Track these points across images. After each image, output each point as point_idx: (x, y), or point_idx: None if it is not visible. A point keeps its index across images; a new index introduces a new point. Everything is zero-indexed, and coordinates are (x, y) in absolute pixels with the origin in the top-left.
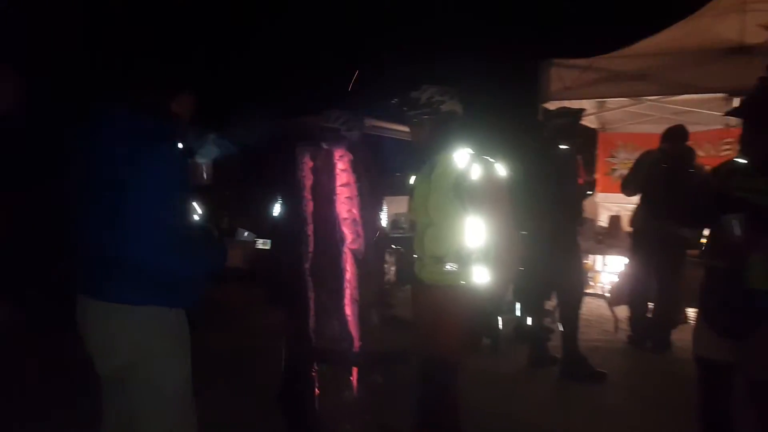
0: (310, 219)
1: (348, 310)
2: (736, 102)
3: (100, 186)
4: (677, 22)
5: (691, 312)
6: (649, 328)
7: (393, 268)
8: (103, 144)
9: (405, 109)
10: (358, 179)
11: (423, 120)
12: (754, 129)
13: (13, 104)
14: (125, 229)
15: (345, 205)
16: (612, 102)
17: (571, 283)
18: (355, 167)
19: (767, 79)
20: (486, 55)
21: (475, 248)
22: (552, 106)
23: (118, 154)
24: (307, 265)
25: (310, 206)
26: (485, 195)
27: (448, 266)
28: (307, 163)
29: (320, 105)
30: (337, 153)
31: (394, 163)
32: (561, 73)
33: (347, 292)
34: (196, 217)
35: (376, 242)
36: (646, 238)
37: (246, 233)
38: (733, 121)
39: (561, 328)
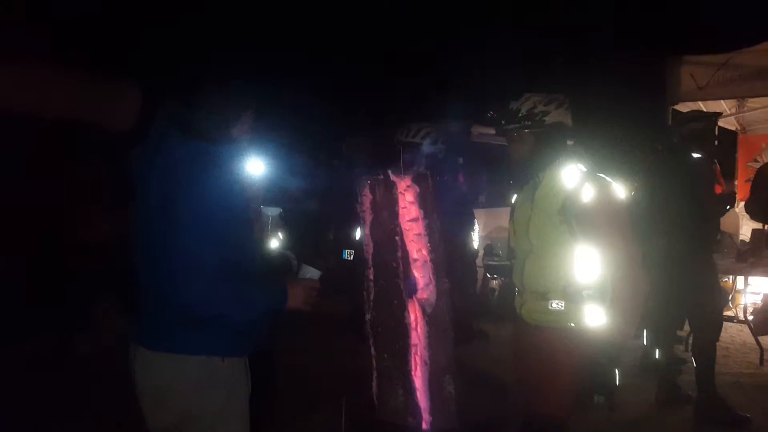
0: (370, 262)
1: (416, 377)
2: None
3: (150, 219)
4: None
5: None
6: None
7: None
8: (155, 172)
9: (503, 122)
10: (428, 215)
11: (523, 134)
12: None
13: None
14: (169, 268)
15: (414, 245)
16: (755, 101)
17: (707, 311)
18: (424, 200)
19: None
20: (606, 53)
21: (587, 284)
22: (683, 108)
23: (168, 184)
24: (367, 317)
25: (370, 247)
26: (599, 220)
27: (554, 304)
28: (367, 197)
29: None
30: (402, 184)
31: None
32: (693, 71)
33: (415, 354)
34: (275, 243)
35: (459, 283)
36: None
37: (310, 271)
38: None
39: (695, 363)
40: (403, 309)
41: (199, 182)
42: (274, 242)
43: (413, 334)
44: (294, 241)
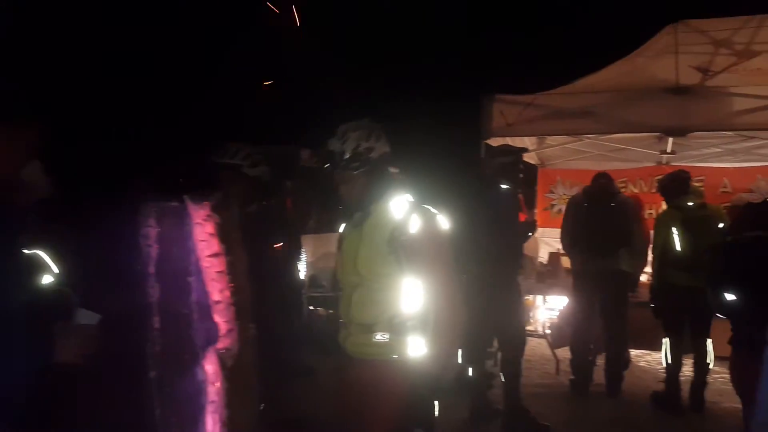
0: (155, 309)
1: None
2: (669, 141)
3: None
4: (615, 62)
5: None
6: (605, 371)
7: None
8: None
9: (328, 166)
10: (231, 250)
11: (353, 175)
12: None
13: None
14: None
15: (216, 285)
16: (552, 139)
17: (514, 329)
18: (227, 232)
19: None
20: (426, 91)
21: (412, 315)
22: (494, 143)
23: None
24: (152, 375)
25: (156, 290)
26: (423, 251)
27: (378, 336)
28: (152, 228)
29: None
30: (201, 213)
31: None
32: (503, 109)
33: (214, 413)
34: (48, 278)
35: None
36: (585, 278)
37: (86, 315)
38: (665, 158)
39: (503, 378)
40: (197, 363)
41: None
42: (48, 277)
43: (210, 391)
44: (77, 272)
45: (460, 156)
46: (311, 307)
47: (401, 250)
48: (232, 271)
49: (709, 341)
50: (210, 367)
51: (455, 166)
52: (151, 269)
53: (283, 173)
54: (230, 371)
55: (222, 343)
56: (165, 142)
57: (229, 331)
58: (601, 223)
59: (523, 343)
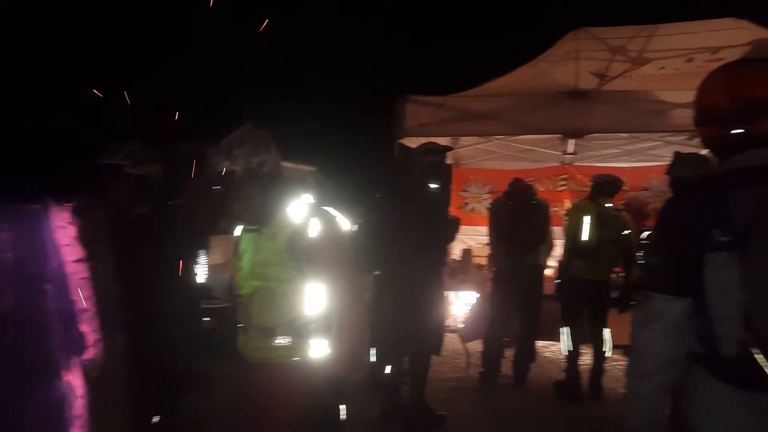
0: (10, 318)
1: None
2: (570, 143)
3: None
4: (520, 66)
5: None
6: (514, 363)
7: None
8: None
9: (220, 188)
10: (96, 254)
11: (250, 193)
12: None
13: None
14: None
15: (83, 292)
16: (465, 139)
17: (435, 325)
18: (92, 236)
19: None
20: (340, 92)
21: (314, 317)
22: (409, 142)
23: None
24: (8, 389)
25: (9, 299)
26: (325, 255)
27: (279, 340)
28: (5, 233)
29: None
30: (61, 217)
31: None
32: (416, 109)
33: (81, 428)
34: None
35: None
36: (509, 273)
37: None
38: (567, 159)
39: (411, 373)
40: (57, 376)
41: None
42: None
43: (76, 405)
44: None
45: (376, 155)
46: (206, 319)
47: (301, 254)
48: (98, 278)
49: (606, 330)
50: (75, 379)
51: (373, 166)
52: (6, 276)
53: (186, 172)
54: (95, 383)
55: (87, 354)
56: (29, 141)
57: (96, 341)
58: (524, 222)
59: (442, 339)
